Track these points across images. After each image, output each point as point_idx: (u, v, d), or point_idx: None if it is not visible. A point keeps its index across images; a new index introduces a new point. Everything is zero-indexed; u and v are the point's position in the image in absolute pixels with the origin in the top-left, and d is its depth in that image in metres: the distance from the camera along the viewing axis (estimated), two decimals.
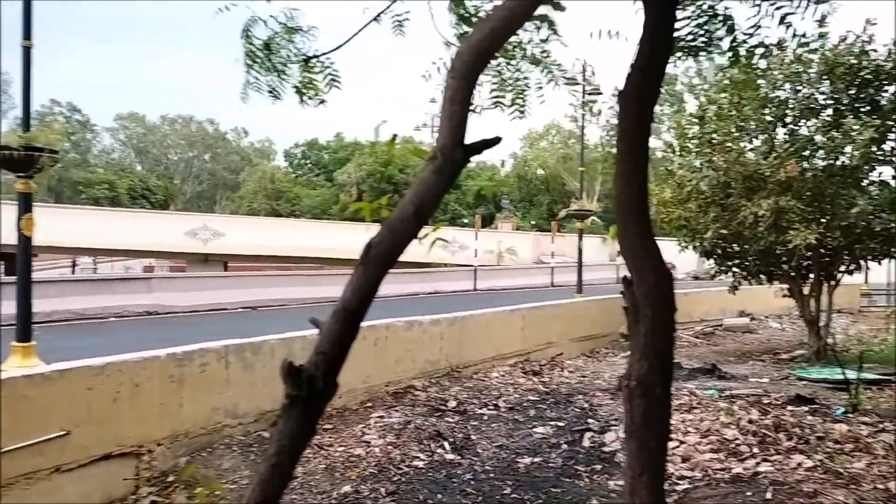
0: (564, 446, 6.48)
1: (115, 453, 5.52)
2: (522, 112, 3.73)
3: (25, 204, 6.62)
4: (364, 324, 6.66)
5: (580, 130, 24.56)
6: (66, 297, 13.80)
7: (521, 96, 3.67)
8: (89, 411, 5.35)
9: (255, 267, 30.99)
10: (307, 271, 24.44)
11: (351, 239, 30.22)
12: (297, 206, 59.42)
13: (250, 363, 6.77)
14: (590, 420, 7.32)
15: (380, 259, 1.88)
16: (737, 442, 6.03)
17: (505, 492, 5.44)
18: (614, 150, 2.64)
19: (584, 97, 20.23)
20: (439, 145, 1.91)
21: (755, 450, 5.86)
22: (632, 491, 2.28)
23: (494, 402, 8.01)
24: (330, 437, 6.68)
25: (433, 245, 2.25)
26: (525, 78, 3.58)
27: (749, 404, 7.19)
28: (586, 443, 6.59)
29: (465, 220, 50.94)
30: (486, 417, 7.41)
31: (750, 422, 6.45)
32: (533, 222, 51.15)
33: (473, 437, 6.68)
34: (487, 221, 47.53)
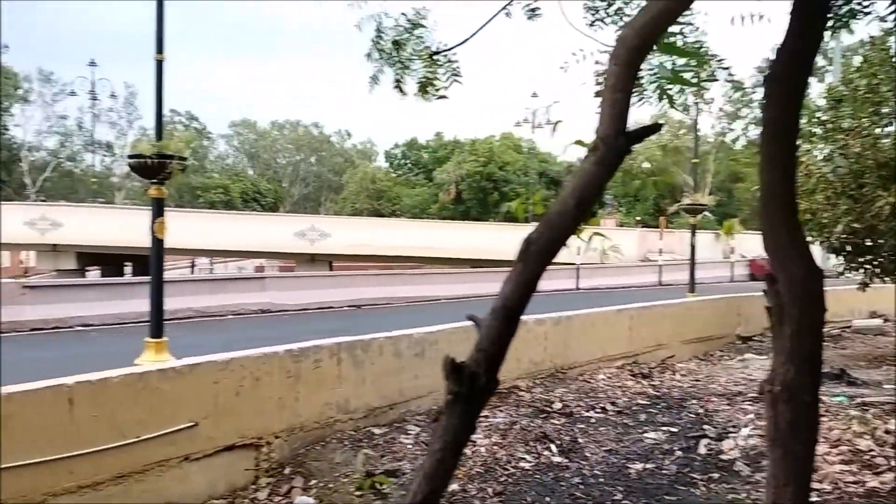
0: (678, 453, 6.28)
1: (237, 444, 5.80)
2: (672, 103, 3.60)
3: (157, 208, 7.08)
4: (467, 323, 6.69)
5: (693, 120, 23.56)
6: (187, 296, 14.59)
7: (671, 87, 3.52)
8: (215, 404, 5.65)
9: (358, 266, 31.77)
10: (409, 271, 24.85)
11: (449, 238, 30.53)
12: (398, 205, 60.41)
13: (360, 360, 6.95)
14: (705, 426, 7.05)
15: (539, 255, 1.87)
16: (872, 453, 5.66)
17: (616, 497, 5.33)
18: (755, 139, 2.51)
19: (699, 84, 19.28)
20: (600, 135, 1.87)
21: (893, 462, 5.49)
22: (775, 501, 2.19)
23: (602, 404, 7.86)
24: None
25: (590, 240, 2.22)
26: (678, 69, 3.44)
27: (885, 413, 6.75)
28: (702, 450, 6.35)
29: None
30: (593, 420, 7.29)
31: (887, 432, 6.05)
32: (638, 218, 49.79)
33: (581, 440, 6.59)
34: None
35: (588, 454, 6.26)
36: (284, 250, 30.32)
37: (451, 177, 53.90)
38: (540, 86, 62.37)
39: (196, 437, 5.46)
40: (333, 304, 16.99)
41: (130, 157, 7.34)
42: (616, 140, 1.88)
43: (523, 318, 6.48)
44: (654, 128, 1.97)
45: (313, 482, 5.65)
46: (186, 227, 26.92)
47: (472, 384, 1.80)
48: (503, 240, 30.58)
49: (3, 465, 4.36)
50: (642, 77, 3.28)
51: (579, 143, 2.34)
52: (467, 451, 6.26)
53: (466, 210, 53.01)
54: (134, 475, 5.07)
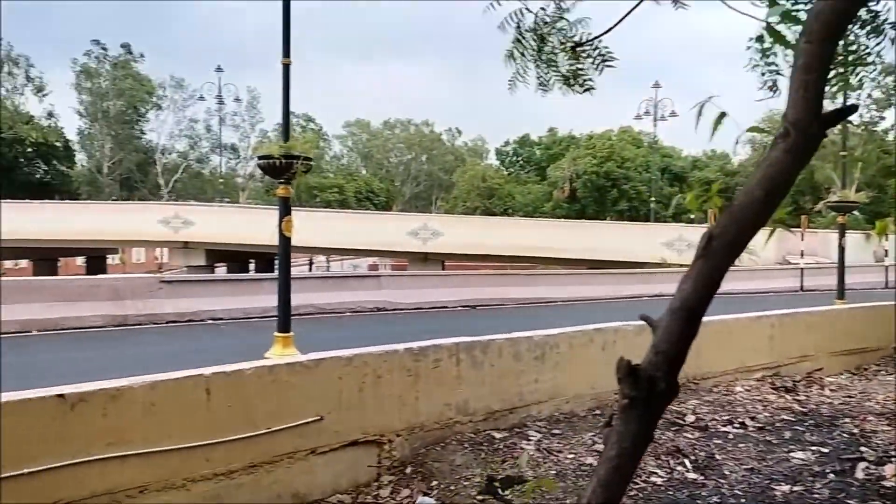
0: (831, 476, 5.80)
1: (360, 440, 5.90)
2: (848, 85, 3.35)
3: (285, 207, 7.35)
4: (590, 326, 6.47)
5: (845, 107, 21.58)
6: (308, 293, 15.07)
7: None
8: (339, 399, 5.77)
9: (470, 266, 31.86)
10: (523, 271, 24.69)
11: (564, 237, 30.01)
12: (510, 204, 60.22)
13: (479, 361, 6.93)
14: (862, 448, 6.48)
15: (722, 251, 1.76)
16: None
17: None
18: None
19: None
20: (791, 120, 1.73)
21: None
22: None
23: (740, 419, 7.42)
24: (558, 443, 6.63)
25: (771, 235, 2.08)
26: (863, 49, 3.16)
27: None
28: (859, 474, 5.85)
29: (692, 216, 48.42)
30: (731, 436, 6.90)
31: None
32: (774, 217, 47.19)
33: (718, 456, 6.26)
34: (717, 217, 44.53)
35: (727, 472, 5.93)
36: (397, 249, 30.85)
37: (565, 174, 53.07)
38: (666, 76, 60.41)
39: (322, 430, 5.61)
40: (447, 304, 17.13)
41: (260, 157, 7.67)
42: (810, 125, 1.72)
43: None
44: (850, 109, 1.80)
45: (434, 483, 5.67)
46: (304, 226, 27.90)
47: (651, 388, 1.71)
48: (623, 239, 29.92)
49: (153, 450, 4.64)
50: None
51: (755, 129, 2.19)
52: (593, 461, 6.10)
53: (582, 208, 52.14)
54: (264, 465, 5.26)
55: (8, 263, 43.48)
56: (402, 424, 6.18)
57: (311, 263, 47.32)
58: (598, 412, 7.58)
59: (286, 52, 7.42)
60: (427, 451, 6.18)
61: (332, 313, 15.14)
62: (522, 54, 3.59)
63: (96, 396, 4.56)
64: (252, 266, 35.36)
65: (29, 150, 54.66)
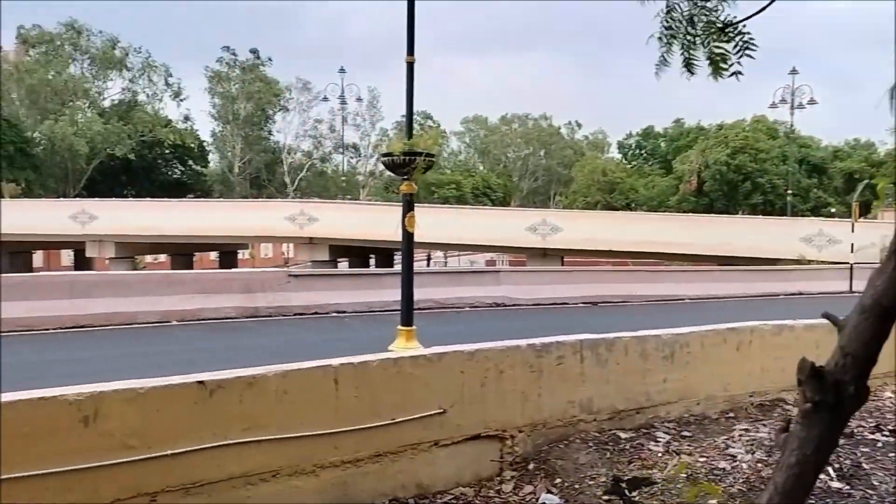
0: None
1: (482, 435, 5.88)
2: None
3: (408, 203, 7.45)
4: (722, 325, 6.10)
5: None
6: (427, 288, 15.23)
7: None
8: (461, 393, 5.77)
9: (590, 262, 31.24)
10: (647, 267, 23.94)
11: (691, 233, 28.82)
12: (632, 198, 58.63)
13: (604, 359, 6.74)
14: None
15: None
16: None
17: None
18: None
19: None
20: None
21: None
22: None
23: (891, 426, 6.87)
24: (688, 445, 6.35)
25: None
26: None
27: None
28: None
29: (833, 210, 45.33)
30: (879, 444, 6.37)
31: None
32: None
33: (865, 465, 5.79)
34: (863, 210, 41.19)
35: (875, 482, 5.47)
36: (515, 244, 30.71)
37: (693, 166, 50.98)
38: (801, 63, 57.01)
39: (445, 423, 5.62)
40: (567, 301, 16.88)
41: (383, 155, 7.81)
42: None
43: (790, 322, 5.80)
44: None
45: (557, 481, 5.57)
46: (422, 222, 28.24)
47: (837, 393, 1.54)
48: (756, 235, 28.37)
49: (285, 436, 4.80)
50: None
51: None
52: (726, 465, 5.81)
53: (710, 202, 49.99)
54: (389, 455, 5.34)
55: (148, 258, 46.76)
56: (524, 420, 6.11)
57: (429, 259, 48.07)
58: (731, 415, 7.21)
59: (410, 50, 7.49)
60: (550, 448, 6.08)
61: (450, 308, 15.27)
62: (671, 36, 3.43)
63: (233, 384, 4.76)
64: (372, 261, 36.27)
65: (167, 151, 58.59)
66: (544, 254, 29.14)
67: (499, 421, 5.95)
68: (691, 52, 3.50)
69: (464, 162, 78.82)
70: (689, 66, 3.52)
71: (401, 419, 5.37)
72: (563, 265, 28.63)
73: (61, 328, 11.65)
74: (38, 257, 42.28)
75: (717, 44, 3.43)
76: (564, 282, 18.23)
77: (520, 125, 79.30)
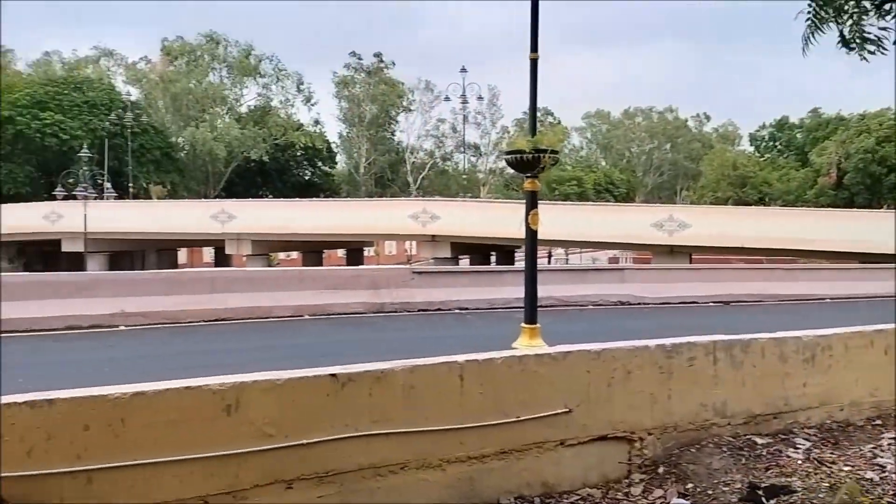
0: None
1: (609, 436, 5.75)
2: None
3: (532, 201, 7.41)
4: (869, 327, 5.68)
5: None
6: (549, 285, 15.07)
7: None
8: (587, 393, 5.67)
9: (721, 259, 29.89)
10: (783, 265, 22.61)
11: (831, 228, 26.95)
12: (765, 192, 55.57)
13: (739, 361, 6.42)
14: None
15: None
16: None
17: None
18: None
19: None
20: None
21: None
22: None
23: None
24: (831, 453, 5.95)
25: None
26: None
27: None
28: None
29: None
30: None
31: None
32: None
33: None
34: None
35: None
36: (640, 241, 29.85)
37: (832, 158, 47.69)
38: None
39: (570, 423, 5.55)
40: (696, 300, 16.23)
41: (507, 153, 7.80)
42: None
43: None
44: None
45: (689, 486, 5.36)
46: (544, 219, 27.98)
47: None
48: None
49: (412, 430, 4.89)
50: None
51: None
52: (874, 476, 5.40)
53: (850, 196, 46.60)
54: (514, 452, 5.32)
55: (281, 255, 49.08)
56: (653, 423, 5.93)
57: (550, 256, 47.66)
58: (878, 422, 6.70)
59: (534, 46, 7.43)
60: (681, 452, 5.87)
61: (573, 306, 15.06)
62: (823, 12, 3.22)
63: (363, 377, 4.90)
64: (493, 258, 36.38)
65: (299, 153, 61.28)
66: (671, 251, 28.12)
67: (626, 422, 5.81)
68: (845, 28, 3.26)
69: (585, 158, 77.52)
70: (846, 43, 3.28)
71: (525, 417, 5.34)
72: (690, 262, 27.54)
73: (204, 321, 12.42)
74: (182, 254, 45.35)
75: (871, 22, 3.18)
76: (693, 280, 17.52)
77: (644, 119, 77.07)
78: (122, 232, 34.54)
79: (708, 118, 77.42)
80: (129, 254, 37.54)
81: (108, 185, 39.37)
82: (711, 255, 30.47)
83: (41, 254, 39.03)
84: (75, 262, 33.93)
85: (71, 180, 37.01)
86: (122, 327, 11.81)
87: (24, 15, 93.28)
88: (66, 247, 35.45)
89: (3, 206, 39.16)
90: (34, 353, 10.03)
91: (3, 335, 10.66)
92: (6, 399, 4.06)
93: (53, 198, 37.37)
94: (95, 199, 36.64)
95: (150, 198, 43.56)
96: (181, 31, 63.48)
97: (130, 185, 44.14)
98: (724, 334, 6.50)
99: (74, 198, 35.46)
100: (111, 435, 4.18)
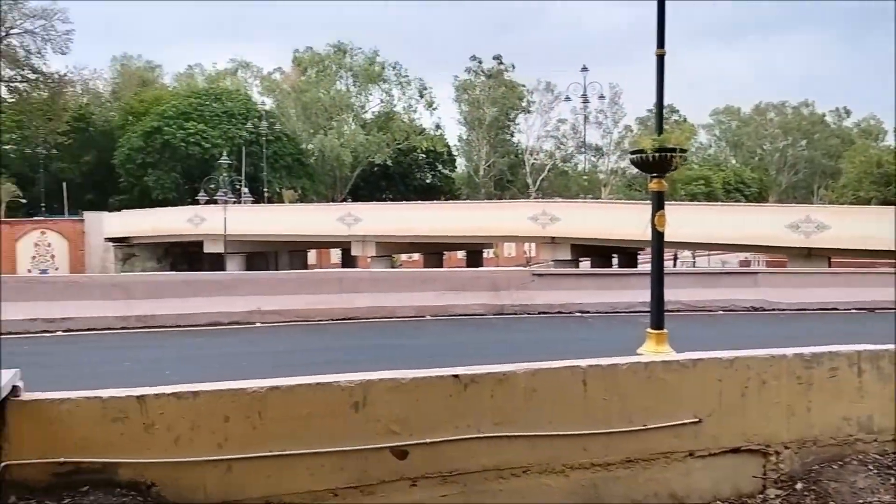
0: None
1: (742, 448, 5.50)
2: None
3: (658, 201, 7.19)
4: None
5: None
6: (674, 289, 14.54)
7: None
8: (719, 402, 5.44)
9: (863, 263, 27.82)
10: None
11: None
12: None
13: (887, 373, 5.96)
14: None
15: None
16: None
17: None
18: None
19: None
20: None
21: None
22: None
23: None
24: None
25: None
26: None
27: None
28: None
29: None
30: None
31: None
32: None
33: None
34: None
35: None
36: (774, 243, 28.22)
37: None
38: None
39: (700, 433, 5.35)
40: (837, 306, 15.16)
41: (632, 152, 7.61)
42: None
43: None
44: None
45: None
46: (669, 220, 27.04)
47: None
48: None
49: (534, 433, 4.88)
50: None
51: None
52: None
53: None
54: (640, 462, 5.20)
55: (403, 256, 50.17)
56: (790, 436, 5.62)
57: (675, 259, 46.03)
58: None
59: (660, 42, 7.21)
60: (822, 468, 5.53)
61: (701, 311, 14.45)
62: None
63: (485, 379, 4.94)
64: (615, 261, 35.60)
65: (420, 157, 62.48)
66: (808, 254, 26.42)
67: (761, 435, 5.54)
68: None
69: (713, 156, 74.40)
70: None
71: (652, 426, 5.20)
72: (829, 266, 25.77)
73: (332, 319, 12.89)
74: (311, 255, 47.31)
75: None
76: (833, 285, 16.37)
77: (776, 114, 73.03)
78: (258, 234, 36.53)
79: (848, 113, 72.41)
80: (263, 254, 39.64)
81: (245, 189, 41.74)
82: (853, 259, 28.41)
83: (185, 254, 41.97)
84: (216, 262, 36.24)
85: (212, 186, 39.47)
86: (259, 324, 12.47)
87: (170, 31, 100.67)
88: (208, 248, 37.89)
89: (152, 210, 42.43)
90: (180, 347, 10.77)
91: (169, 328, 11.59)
92: (156, 390, 4.39)
93: (196, 202, 40.01)
94: (234, 203, 38.89)
95: (282, 202, 45.76)
96: (311, 42, 66.35)
97: (265, 189, 46.58)
98: (869, 344, 6.06)
99: (215, 202, 37.79)
100: (249, 426, 4.43)
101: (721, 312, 14.59)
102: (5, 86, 49.65)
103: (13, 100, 50.44)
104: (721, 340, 7.14)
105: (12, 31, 46.20)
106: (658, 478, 5.20)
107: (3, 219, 43.18)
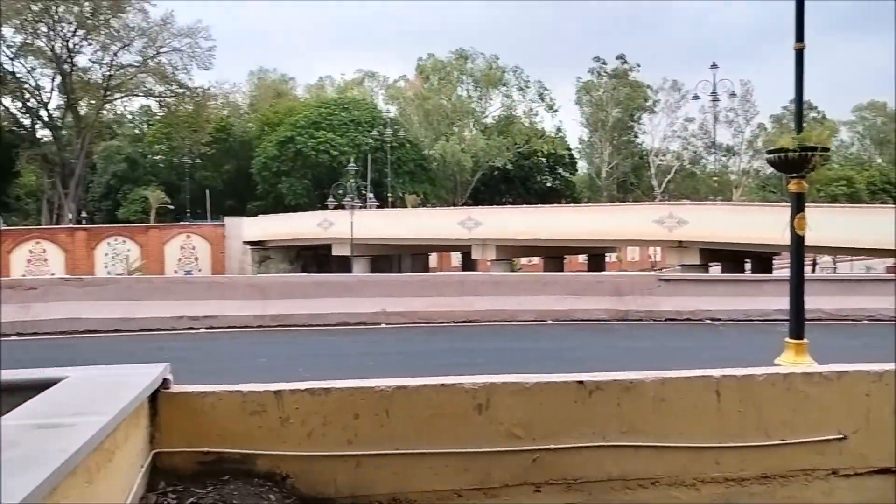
0: None
1: (893, 469, 5.10)
2: None
3: (798, 203, 6.80)
4: None
5: None
6: (814, 297, 13.65)
7: None
8: (866, 418, 5.06)
9: None
10: None
11: None
12: None
13: None
14: None
15: None
16: None
17: None
18: None
19: None
20: None
21: None
22: None
23: None
24: None
25: None
26: None
27: None
28: None
29: None
30: None
31: None
32: None
33: None
34: None
35: None
36: None
37: None
38: None
39: (844, 451, 5.00)
40: None
41: (769, 152, 7.24)
42: None
43: None
44: None
45: None
46: (809, 223, 25.46)
47: None
48: None
49: (663, 444, 4.73)
50: None
51: None
52: None
53: None
54: (778, 478, 4.92)
55: (523, 260, 50.02)
56: None
57: (814, 264, 43.30)
58: None
59: (799, 36, 6.82)
60: None
61: (844, 320, 13.52)
62: None
63: (611, 386, 4.83)
64: (747, 266, 33.90)
65: (541, 160, 62.12)
66: None
67: None
68: None
69: (856, 155, 69.40)
70: None
71: (791, 441, 4.91)
72: None
73: (454, 322, 13.06)
74: (433, 258, 48.14)
75: None
76: None
77: None
78: (382, 237, 37.61)
79: None
80: (387, 257, 40.79)
81: (370, 195, 43.11)
82: None
83: (315, 257, 43.89)
84: (343, 264, 37.64)
85: (340, 191, 41.03)
86: (384, 325, 12.84)
87: (302, 44, 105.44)
88: (336, 251, 39.43)
89: (286, 215, 44.64)
90: (312, 345, 11.26)
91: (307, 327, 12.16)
92: (292, 386, 4.60)
93: (325, 207, 41.75)
94: (360, 207, 40.25)
95: (405, 206, 46.88)
96: (432, 48, 67.55)
97: (389, 194, 47.92)
98: None
99: (343, 207, 39.26)
100: (377, 424, 4.55)
101: (867, 322, 13.59)
102: (156, 100, 53.83)
103: (162, 113, 54.65)
104: (866, 352, 6.66)
105: (162, 50, 50.05)
106: (797, 496, 4.90)
107: (152, 223, 46.78)
